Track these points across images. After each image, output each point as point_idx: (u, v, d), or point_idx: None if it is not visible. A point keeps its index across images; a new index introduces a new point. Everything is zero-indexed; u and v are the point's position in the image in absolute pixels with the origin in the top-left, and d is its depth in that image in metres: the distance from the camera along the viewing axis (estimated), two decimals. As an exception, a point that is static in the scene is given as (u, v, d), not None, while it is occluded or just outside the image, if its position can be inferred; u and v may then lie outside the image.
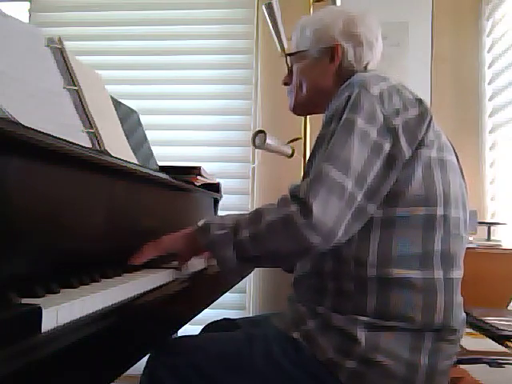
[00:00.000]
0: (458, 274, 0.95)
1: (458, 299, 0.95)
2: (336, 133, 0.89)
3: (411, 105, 0.92)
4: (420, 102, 0.94)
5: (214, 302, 1.34)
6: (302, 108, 1.19)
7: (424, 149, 0.91)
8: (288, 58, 1.18)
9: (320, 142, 0.93)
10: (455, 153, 1.01)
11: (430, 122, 0.92)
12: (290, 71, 1.18)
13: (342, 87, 0.97)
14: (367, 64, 1.10)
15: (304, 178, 0.94)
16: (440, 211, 0.90)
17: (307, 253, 0.89)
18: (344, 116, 0.90)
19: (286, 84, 1.20)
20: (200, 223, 0.97)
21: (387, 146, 0.88)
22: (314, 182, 0.85)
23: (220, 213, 1.89)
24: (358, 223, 0.88)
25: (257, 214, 0.91)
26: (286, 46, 2.12)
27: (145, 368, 0.96)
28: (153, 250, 0.99)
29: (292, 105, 1.19)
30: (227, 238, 0.91)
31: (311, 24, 1.13)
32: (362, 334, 0.87)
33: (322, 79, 1.11)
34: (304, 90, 1.14)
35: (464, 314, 0.97)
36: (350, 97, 0.91)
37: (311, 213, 0.82)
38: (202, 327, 1.26)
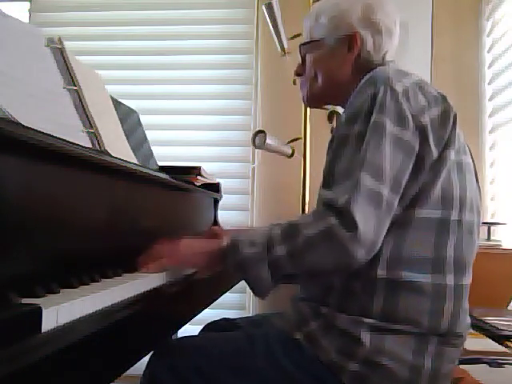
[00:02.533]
0: (468, 280, 0.93)
1: (466, 305, 0.94)
2: (367, 137, 0.85)
3: (435, 102, 0.89)
4: (444, 98, 0.91)
5: (214, 302, 1.34)
6: (316, 100, 1.14)
7: (450, 150, 0.88)
8: (301, 47, 1.12)
9: (343, 142, 0.89)
10: (471, 154, 0.98)
11: (454, 120, 0.89)
12: (303, 61, 1.11)
13: (362, 82, 0.92)
14: (386, 53, 1.05)
15: (324, 180, 0.91)
16: (455, 215, 0.88)
17: (349, 267, 0.84)
18: (373, 118, 0.86)
19: (298, 75, 1.13)
20: (226, 241, 0.90)
21: (417, 146, 0.86)
22: (352, 192, 0.81)
23: (220, 213, 1.89)
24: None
25: (292, 228, 0.85)
26: (286, 45, 2.12)
27: (145, 369, 0.95)
28: (171, 261, 0.94)
29: (305, 96, 1.12)
30: (260, 255, 0.85)
31: (327, 10, 1.06)
32: (366, 336, 0.86)
33: (339, 70, 1.05)
34: (319, 81, 1.07)
35: (469, 319, 0.96)
36: (375, 95, 0.87)
37: (356, 225, 0.79)
38: (202, 327, 1.26)
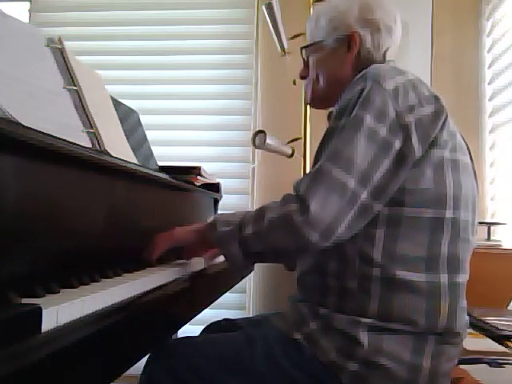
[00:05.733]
0: (463, 278, 0.93)
1: (463, 303, 0.94)
2: (343, 130, 0.87)
3: (427, 101, 0.89)
4: (436, 99, 0.91)
5: (214, 302, 1.34)
6: (320, 101, 1.15)
7: (436, 149, 0.88)
8: (303, 50, 1.14)
9: (329, 136, 0.91)
10: (469, 153, 0.98)
11: (445, 120, 0.90)
12: (306, 64, 1.14)
13: (355, 78, 0.94)
14: (386, 50, 1.06)
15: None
16: (449, 214, 0.89)
17: (306, 249, 0.89)
18: (354, 112, 0.88)
19: (302, 78, 1.16)
20: (209, 220, 0.99)
21: (397, 144, 0.86)
22: (314, 180, 0.85)
23: (220, 213, 1.89)
24: (362, 220, 0.87)
25: (260, 212, 0.91)
26: (286, 45, 2.12)
27: (143, 370, 0.95)
28: (166, 241, 1.03)
29: (309, 98, 1.15)
30: (233, 234, 0.92)
31: (325, 13, 1.09)
32: (364, 337, 0.86)
33: (339, 70, 1.07)
34: (321, 82, 1.10)
35: (467, 318, 0.96)
36: (362, 91, 0.89)
37: (308, 210, 0.83)
38: (202, 327, 1.26)
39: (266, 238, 0.90)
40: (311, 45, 1.12)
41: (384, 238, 0.88)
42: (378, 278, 0.87)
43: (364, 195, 0.85)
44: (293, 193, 0.89)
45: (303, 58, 1.15)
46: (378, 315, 0.87)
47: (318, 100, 1.15)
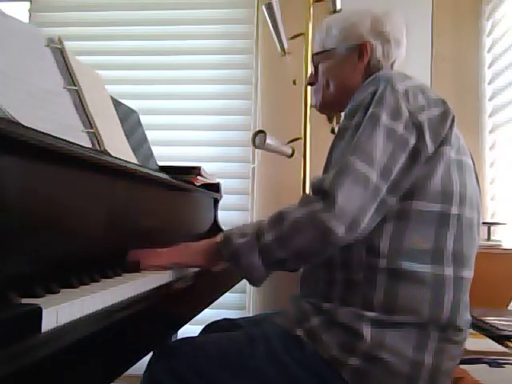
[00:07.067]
0: (468, 274, 0.95)
1: (466, 300, 0.95)
2: (362, 127, 0.89)
3: (435, 104, 0.93)
4: (443, 102, 0.95)
5: (214, 302, 1.34)
6: (327, 106, 1.19)
7: (446, 147, 0.91)
8: (314, 57, 1.18)
9: (342, 134, 0.94)
10: (472, 157, 1.02)
11: (452, 122, 0.93)
12: (315, 71, 1.17)
13: (366, 81, 0.98)
14: (394, 62, 1.11)
15: (325, 171, 0.95)
16: (455, 210, 0.91)
17: (333, 245, 0.87)
18: (370, 110, 0.90)
19: (310, 84, 1.20)
20: (220, 237, 0.96)
21: (412, 140, 0.89)
22: (339, 174, 0.86)
23: (220, 213, 1.89)
24: (379, 216, 0.88)
25: (278, 216, 0.91)
26: (285, 45, 2.12)
27: (144, 371, 0.95)
28: (167, 261, 1.00)
29: (318, 104, 1.18)
30: (251, 244, 0.90)
31: (338, 23, 1.13)
32: (367, 331, 0.87)
33: (350, 77, 1.10)
34: (331, 88, 1.13)
35: (469, 317, 0.97)
36: (375, 92, 0.92)
37: (335, 203, 0.83)
38: (202, 327, 1.26)
39: (289, 241, 0.88)
40: (322, 52, 1.15)
41: (392, 231, 0.89)
42: (384, 268, 0.89)
43: (385, 189, 0.87)
44: (310, 191, 0.91)
45: (313, 65, 1.18)
46: (382, 306, 0.88)
47: (326, 105, 1.18)
